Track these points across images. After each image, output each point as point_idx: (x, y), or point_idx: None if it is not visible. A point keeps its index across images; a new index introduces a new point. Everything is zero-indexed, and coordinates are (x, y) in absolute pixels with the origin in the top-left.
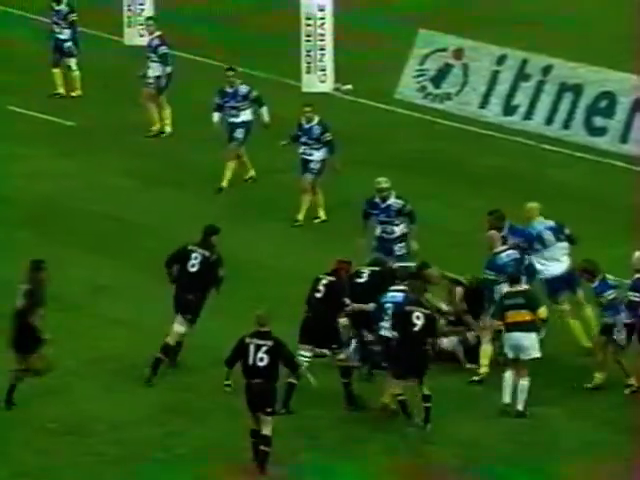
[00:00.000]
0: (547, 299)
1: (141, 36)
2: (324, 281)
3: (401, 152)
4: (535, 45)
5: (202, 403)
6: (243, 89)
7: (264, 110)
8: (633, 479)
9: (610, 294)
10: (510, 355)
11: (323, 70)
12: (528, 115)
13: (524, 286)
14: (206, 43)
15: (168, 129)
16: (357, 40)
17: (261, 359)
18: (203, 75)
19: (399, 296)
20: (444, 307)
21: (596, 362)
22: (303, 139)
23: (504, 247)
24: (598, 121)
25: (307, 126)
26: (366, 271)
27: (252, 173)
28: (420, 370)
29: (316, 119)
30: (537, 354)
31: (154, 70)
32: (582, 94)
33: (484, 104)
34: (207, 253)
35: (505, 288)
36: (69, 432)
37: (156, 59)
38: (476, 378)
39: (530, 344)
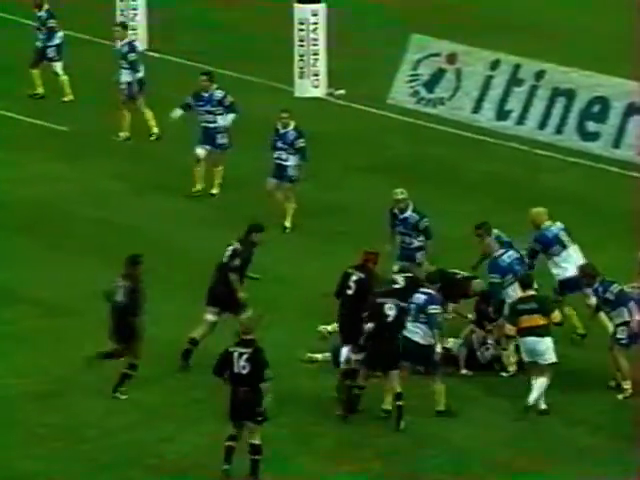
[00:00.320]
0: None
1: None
2: (354, 277)
3: (394, 157)
4: (528, 50)
5: (194, 409)
6: (218, 94)
7: (230, 117)
8: None
9: (615, 287)
10: (527, 359)
11: (316, 75)
12: (521, 120)
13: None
14: (198, 48)
15: (155, 130)
16: (350, 45)
17: (243, 367)
18: (195, 80)
19: (422, 298)
20: (470, 316)
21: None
22: (278, 144)
23: (503, 250)
24: (591, 126)
25: (283, 131)
26: (400, 277)
27: (215, 190)
28: (389, 362)
29: (292, 125)
30: (554, 358)
31: (125, 76)
32: (575, 99)
33: (477, 109)
34: (239, 247)
35: (511, 290)
36: (61, 438)
37: (126, 65)
38: (505, 374)
39: (545, 348)
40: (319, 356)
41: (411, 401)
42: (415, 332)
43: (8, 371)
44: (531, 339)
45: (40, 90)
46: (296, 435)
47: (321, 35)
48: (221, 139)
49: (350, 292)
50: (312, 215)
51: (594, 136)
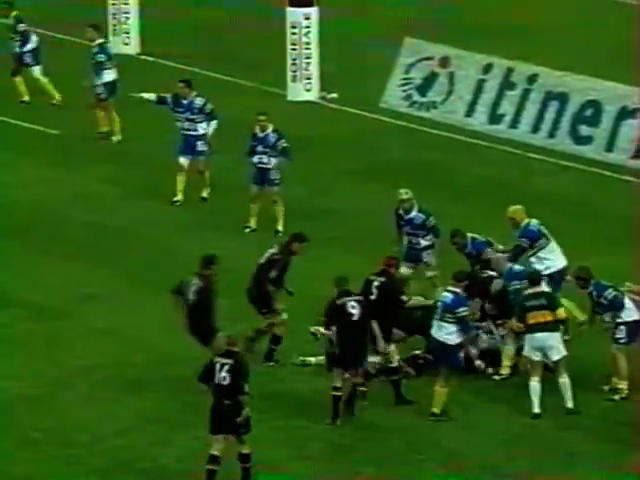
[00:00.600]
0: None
1: (126, 44)
2: (376, 283)
3: (386, 161)
4: (521, 54)
5: (186, 413)
6: (198, 102)
7: (212, 124)
8: None
9: (610, 293)
10: (535, 358)
11: (308, 79)
12: (514, 124)
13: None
14: (191, 52)
15: (106, 129)
16: (343, 48)
17: (224, 378)
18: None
19: (450, 297)
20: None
21: (610, 365)
22: (259, 148)
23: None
24: (584, 130)
25: (262, 135)
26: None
27: (206, 194)
28: (359, 359)
29: (270, 127)
30: (564, 352)
31: (93, 79)
32: (568, 103)
33: (470, 113)
34: (276, 254)
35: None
36: (53, 442)
37: (96, 67)
38: (497, 377)
39: (555, 343)
40: (312, 359)
41: (402, 406)
42: (440, 330)
43: (0, 374)
44: (541, 335)
45: (26, 97)
46: (288, 439)
47: (313, 39)
48: (201, 146)
49: (373, 297)
50: (304, 219)
51: (587, 140)
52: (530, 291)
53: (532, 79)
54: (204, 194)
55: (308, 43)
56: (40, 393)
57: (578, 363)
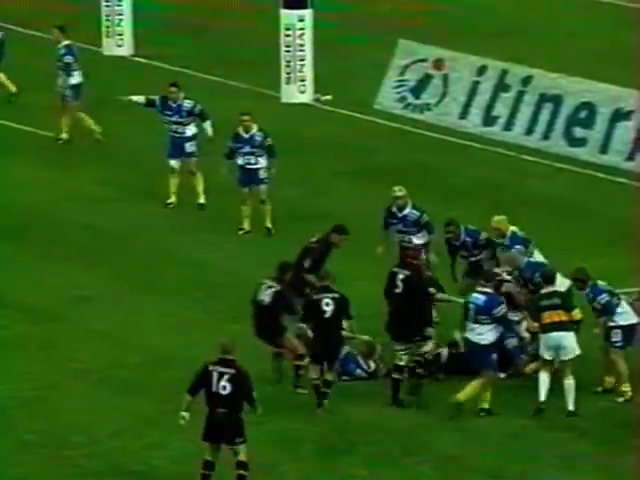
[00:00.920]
0: None
1: (119, 46)
2: (400, 276)
3: (380, 163)
4: (515, 56)
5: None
6: (187, 105)
7: (208, 124)
8: None
9: (603, 298)
10: (547, 357)
11: (303, 81)
12: (508, 126)
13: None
14: (184, 54)
15: (64, 135)
16: (337, 50)
17: (224, 387)
18: (182, 86)
19: (481, 298)
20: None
21: (604, 366)
22: (245, 149)
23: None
24: (578, 132)
25: (247, 135)
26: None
27: (202, 199)
28: (330, 355)
29: (255, 127)
30: (577, 351)
31: (61, 80)
32: (562, 105)
33: (464, 115)
34: (313, 242)
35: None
36: (47, 444)
37: (62, 68)
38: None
39: (569, 343)
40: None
41: (397, 409)
42: (472, 332)
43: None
44: (555, 334)
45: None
46: (282, 442)
47: (308, 41)
48: (190, 147)
49: (398, 290)
50: (299, 221)
51: (581, 142)
52: (544, 291)
53: (526, 81)
54: (201, 200)
55: (302, 45)
56: (35, 395)
57: (574, 364)
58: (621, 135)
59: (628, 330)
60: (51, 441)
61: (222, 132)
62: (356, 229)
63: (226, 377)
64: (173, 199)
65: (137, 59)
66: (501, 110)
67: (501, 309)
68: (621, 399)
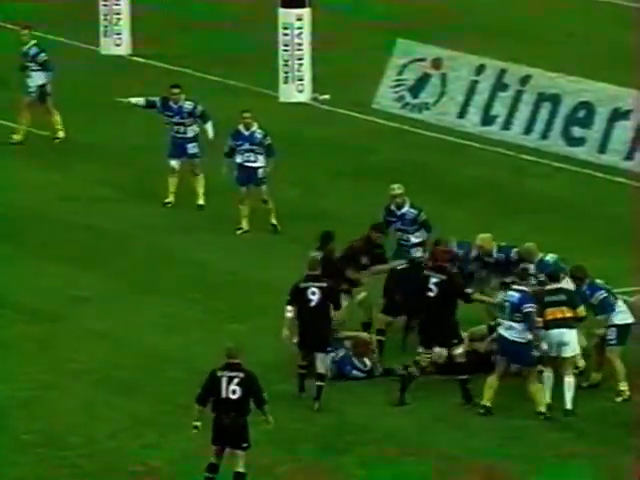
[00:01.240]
0: None
1: (117, 45)
2: (434, 279)
3: (379, 162)
4: (513, 55)
5: (178, 415)
6: (188, 106)
7: (209, 125)
8: None
9: (601, 294)
10: (550, 353)
11: (301, 80)
12: (506, 125)
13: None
14: (182, 53)
15: (62, 134)
16: (335, 50)
17: (234, 392)
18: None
19: (516, 296)
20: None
21: (593, 361)
22: (244, 146)
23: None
24: (577, 131)
25: (247, 133)
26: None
27: (202, 201)
28: (318, 344)
29: (255, 125)
30: (577, 350)
31: (35, 79)
32: (560, 104)
33: (462, 114)
34: (356, 240)
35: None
36: (44, 444)
37: (37, 67)
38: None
39: (571, 340)
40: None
41: (394, 409)
42: (510, 330)
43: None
44: (557, 331)
45: None
46: (279, 442)
47: (306, 40)
48: (193, 149)
49: (432, 294)
50: (297, 220)
51: (580, 141)
52: (549, 287)
53: (525, 80)
54: (200, 201)
55: (300, 44)
56: (33, 395)
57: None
58: (620, 135)
59: (623, 330)
60: (48, 441)
61: (220, 131)
62: (355, 229)
63: (236, 381)
64: (171, 199)
65: (135, 58)
66: (499, 109)
67: (529, 306)
68: (619, 399)
